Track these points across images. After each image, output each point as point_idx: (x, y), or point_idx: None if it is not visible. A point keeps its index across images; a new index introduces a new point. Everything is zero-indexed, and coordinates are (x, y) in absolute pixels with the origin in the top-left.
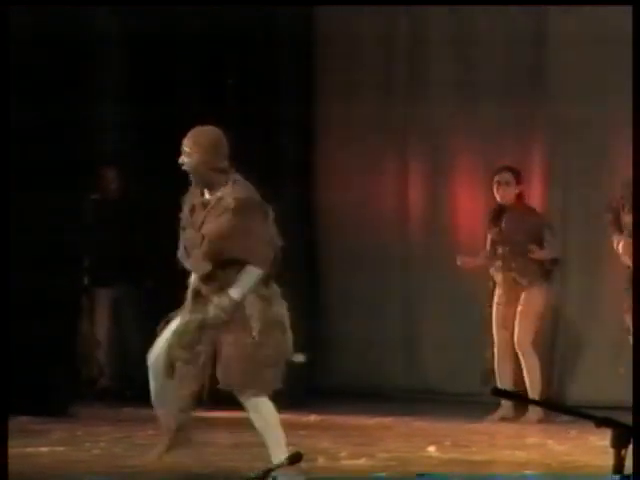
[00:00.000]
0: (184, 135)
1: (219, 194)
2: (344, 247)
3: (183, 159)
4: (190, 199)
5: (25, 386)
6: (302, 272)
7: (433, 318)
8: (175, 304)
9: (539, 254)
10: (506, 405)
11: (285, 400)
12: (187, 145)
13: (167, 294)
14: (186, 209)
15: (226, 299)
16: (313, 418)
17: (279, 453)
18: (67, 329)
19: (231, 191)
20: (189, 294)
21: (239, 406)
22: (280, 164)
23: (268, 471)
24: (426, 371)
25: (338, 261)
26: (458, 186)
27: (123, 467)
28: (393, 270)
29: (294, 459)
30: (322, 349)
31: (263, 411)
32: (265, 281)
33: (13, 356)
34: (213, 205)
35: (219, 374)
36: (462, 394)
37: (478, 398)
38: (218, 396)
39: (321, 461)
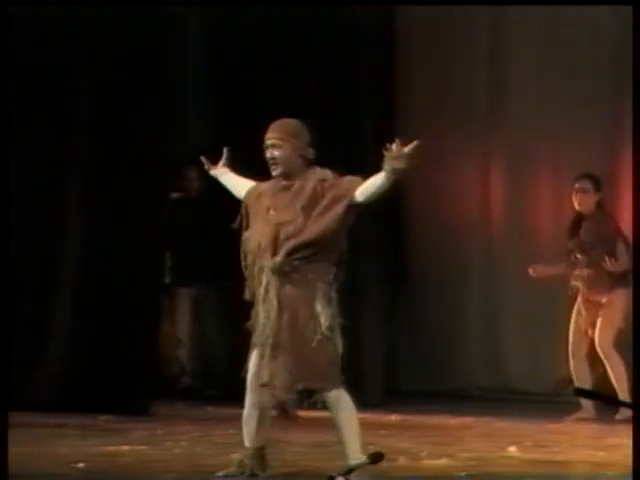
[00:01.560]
0: (264, 135)
1: (301, 179)
2: (425, 249)
3: (272, 152)
4: (269, 188)
5: (107, 385)
6: (386, 274)
7: (514, 318)
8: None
9: (614, 266)
10: (587, 406)
11: (366, 400)
12: (276, 137)
13: None
14: (265, 199)
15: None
16: (394, 418)
17: (354, 450)
18: (149, 328)
19: (314, 173)
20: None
21: (318, 405)
22: (361, 167)
23: (349, 470)
24: (507, 371)
25: (419, 263)
26: (540, 190)
27: (203, 466)
28: (474, 271)
29: (376, 459)
30: (404, 350)
31: (341, 406)
32: (331, 284)
33: (96, 355)
34: (298, 188)
35: (295, 371)
36: (543, 394)
37: (559, 398)
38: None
39: (402, 461)
